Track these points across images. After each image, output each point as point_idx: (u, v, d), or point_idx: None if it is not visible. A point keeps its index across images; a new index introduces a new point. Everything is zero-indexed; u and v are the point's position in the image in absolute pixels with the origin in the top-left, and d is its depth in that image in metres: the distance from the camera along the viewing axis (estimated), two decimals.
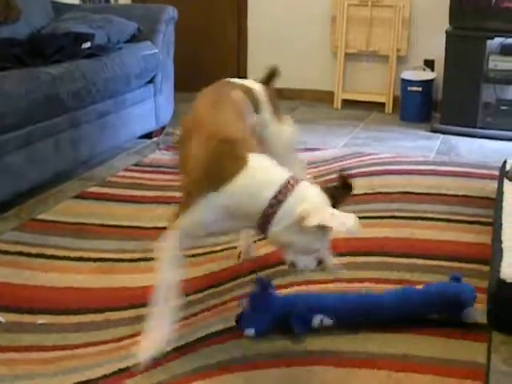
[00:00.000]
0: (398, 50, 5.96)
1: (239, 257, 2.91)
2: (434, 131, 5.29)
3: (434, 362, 2.21)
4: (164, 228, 2.21)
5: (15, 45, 4.06)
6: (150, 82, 4.78)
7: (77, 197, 3.74)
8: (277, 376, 2.14)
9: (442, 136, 5.18)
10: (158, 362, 2.17)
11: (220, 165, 2.12)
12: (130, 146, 4.67)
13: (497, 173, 3.72)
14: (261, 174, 2.11)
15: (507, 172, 3.49)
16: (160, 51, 4.79)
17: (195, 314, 2.51)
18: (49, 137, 3.74)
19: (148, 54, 4.65)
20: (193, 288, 2.66)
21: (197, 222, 2.16)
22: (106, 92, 4.19)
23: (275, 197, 2.05)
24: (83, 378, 2.15)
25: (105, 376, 2.16)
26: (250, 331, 2.32)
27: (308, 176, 2.79)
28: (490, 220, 3.23)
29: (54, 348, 2.33)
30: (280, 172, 2.14)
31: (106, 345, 2.34)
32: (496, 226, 2.95)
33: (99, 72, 4.12)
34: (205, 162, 2.14)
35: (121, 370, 2.17)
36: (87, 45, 4.20)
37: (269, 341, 2.32)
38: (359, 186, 3.80)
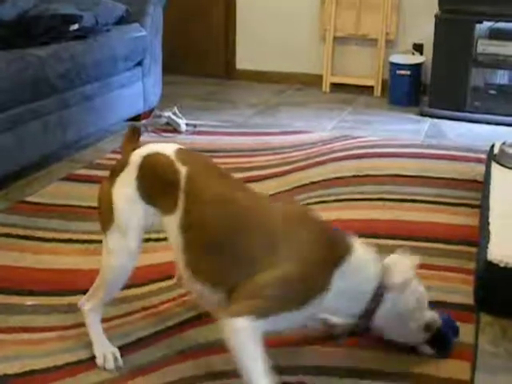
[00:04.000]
0: (387, 34, 5.96)
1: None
2: (423, 115, 5.30)
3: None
4: None
5: (2, 26, 4.03)
6: (139, 64, 4.76)
7: (65, 179, 3.73)
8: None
9: (430, 120, 5.18)
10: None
11: (328, 253, 1.94)
12: (118, 128, 4.65)
13: (484, 156, 3.74)
14: (365, 256, 2.01)
15: (495, 155, 3.51)
16: (148, 34, 4.77)
17: (163, 303, 2.51)
18: (36, 119, 3.72)
19: (136, 37, 4.63)
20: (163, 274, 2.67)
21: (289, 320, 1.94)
22: (93, 74, 4.18)
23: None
24: (73, 359, 2.16)
25: (94, 357, 2.16)
26: None
27: None
28: (478, 202, 3.25)
29: (42, 329, 2.33)
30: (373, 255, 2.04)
31: None
32: (483, 208, 2.97)
33: (87, 54, 4.10)
34: (312, 254, 1.92)
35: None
36: (75, 26, 4.18)
37: None
38: (348, 168, 3.82)
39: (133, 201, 2.08)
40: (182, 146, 2.16)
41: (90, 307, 2.18)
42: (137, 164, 2.08)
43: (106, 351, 2.14)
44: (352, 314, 2.01)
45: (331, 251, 1.94)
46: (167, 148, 2.12)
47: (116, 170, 2.12)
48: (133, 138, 2.24)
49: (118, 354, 2.14)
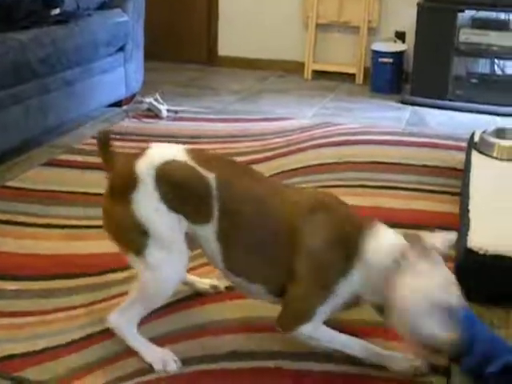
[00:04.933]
0: (370, 22, 5.96)
1: None
2: (404, 103, 5.31)
3: None
4: None
5: None
6: (120, 49, 4.73)
7: (46, 164, 3.72)
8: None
9: (411, 107, 5.19)
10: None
11: (347, 236, 2.00)
12: (100, 113, 4.64)
13: (465, 144, 3.75)
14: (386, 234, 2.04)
15: (476, 143, 3.53)
16: (130, 19, 4.74)
17: None
18: (17, 104, 3.70)
19: (118, 22, 4.61)
20: None
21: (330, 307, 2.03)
22: (75, 59, 4.15)
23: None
24: (53, 344, 2.16)
25: (74, 341, 2.17)
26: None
27: None
28: (458, 190, 3.26)
29: (23, 314, 2.33)
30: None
31: (76, 310, 2.35)
32: (463, 195, 2.98)
33: (68, 39, 4.08)
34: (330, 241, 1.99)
35: (89, 336, 2.19)
36: (56, 11, 4.16)
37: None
38: (328, 155, 3.82)
39: (163, 212, 2.00)
40: (187, 147, 2.11)
41: (128, 319, 2.10)
42: (151, 177, 1.99)
43: (161, 356, 2.08)
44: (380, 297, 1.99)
45: (350, 239, 1.98)
46: (178, 153, 2.05)
47: (123, 187, 2.03)
48: (107, 145, 2.12)
49: (173, 355, 2.08)
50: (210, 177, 2.00)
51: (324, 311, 2.02)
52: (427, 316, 1.86)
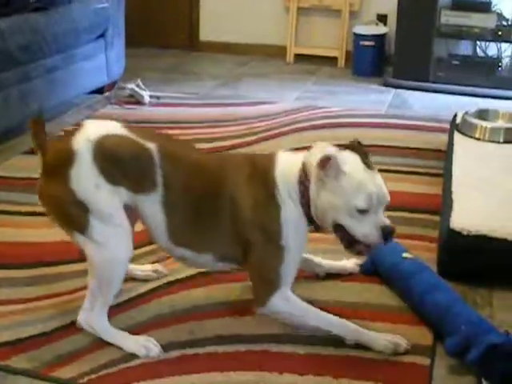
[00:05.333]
0: (351, 5, 5.94)
1: None
2: (387, 85, 5.30)
3: (384, 309, 2.26)
4: None
5: None
6: (101, 36, 4.70)
7: (27, 152, 3.69)
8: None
9: (394, 90, 5.20)
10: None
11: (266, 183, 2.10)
12: (81, 101, 4.62)
13: (447, 126, 3.77)
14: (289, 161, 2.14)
15: (457, 125, 3.53)
16: (110, 5, 4.71)
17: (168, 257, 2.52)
18: None
19: (98, 8, 4.58)
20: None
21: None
22: (55, 46, 4.13)
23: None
24: (36, 331, 2.16)
25: (58, 328, 2.17)
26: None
27: None
28: (441, 171, 3.27)
29: (7, 302, 2.32)
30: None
31: (60, 297, 2.35)
32: (446, 177, 3.00)
33: (48, 26, 4.05)
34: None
35: (74, 323, 2.18)
36: None
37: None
38: (311, 138, 3.82)
39: (102, 186, 2.00)
40: (117, 122, 2.11)
41: (96, 315, 2.10)
42: (89, 151, 1.99)
43: (142, 343, 2.07)
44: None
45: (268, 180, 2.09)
46: (113, 127, 2.07)
47: (60, 165, 2.01)
48: (41, 129, 2.08)
49: (153, 340, 2.08)
50: (152, 146, 2.02)
51: (288, 272, 2.09)
52: (345, 216, 2.00)
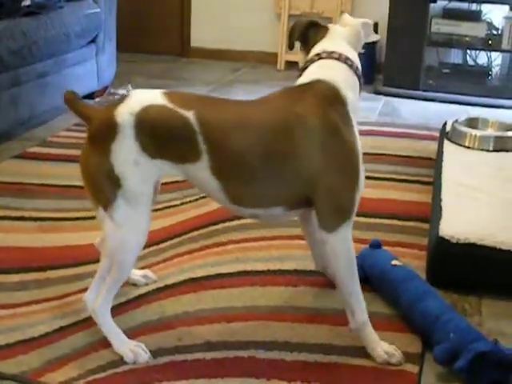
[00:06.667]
0: (342, 12, 5.93)
1: None
2: (377, 93, 5.32)
3: (374, 316, 2.26)
4: None
5: None
6: (92, 41, 4.71)
7: (17, 157, 3.69)
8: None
9: (384, 98, 5.21)
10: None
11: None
12: None
13: (438, 134, 3.78)
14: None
15: (447, 133, 3.55)
16: (102, 10, 4.72)
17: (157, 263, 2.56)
18: None
19: (90, 13, 4.58)
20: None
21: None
22: (46, 51, 4.13)
23: None
24: (25, 337, 2.15)
25: (47, 334, 2.16)
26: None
27: None
28: (431, 179, 3.28)
29: None
30: None
31: (49, 302, 2.34)
32: (436, 185, 3.00)
33: (40, 30, 4.05)
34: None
35: (62, 328, 2.18)
36: (27, 2, 4.12)
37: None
38: None
39: (142, 163, 1.97)
40: (163, 90, 2.06)
41: (99, 303, 2.08)
42: (131, 124, 1.96)
43: (132, 348, 2.06)
44: None
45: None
46: (155, 97, 2.02)
47: (103, 137, 1.98)
48: (76, 102, 2.08)
49: (143, 346, 2.07)
50: (189, 115, 1.98)
51: (357, 200, 2.09)
52: None
